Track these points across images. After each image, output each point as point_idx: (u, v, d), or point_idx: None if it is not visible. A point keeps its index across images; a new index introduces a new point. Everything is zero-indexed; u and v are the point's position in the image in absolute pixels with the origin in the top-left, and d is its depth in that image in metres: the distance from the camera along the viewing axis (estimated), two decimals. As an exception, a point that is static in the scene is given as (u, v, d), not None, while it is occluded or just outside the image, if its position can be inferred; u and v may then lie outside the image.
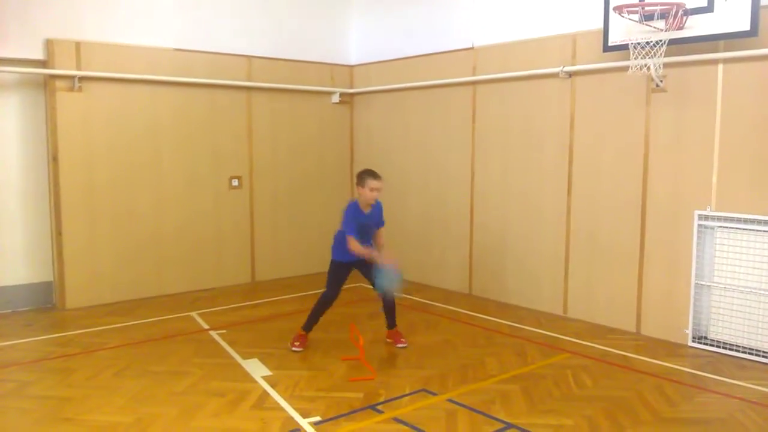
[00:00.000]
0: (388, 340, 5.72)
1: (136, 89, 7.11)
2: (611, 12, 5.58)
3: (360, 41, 8.93)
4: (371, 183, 5.31)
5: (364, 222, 5.40)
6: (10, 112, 6.69)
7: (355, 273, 5.57)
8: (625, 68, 5.58)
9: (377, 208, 5.52)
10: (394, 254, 5.27)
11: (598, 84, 6.15)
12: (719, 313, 5.42)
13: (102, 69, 6.86)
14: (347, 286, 5.80)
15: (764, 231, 5.10)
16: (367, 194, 5.34)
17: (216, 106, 7.73)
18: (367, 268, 5.45)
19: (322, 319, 5.55)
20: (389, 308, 5.64)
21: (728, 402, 4.40)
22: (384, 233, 5.65)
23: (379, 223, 5.57)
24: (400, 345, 5.60)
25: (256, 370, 5.00)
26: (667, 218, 5.70)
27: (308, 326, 5.56)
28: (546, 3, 6.59)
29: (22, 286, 6.82)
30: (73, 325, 6.23)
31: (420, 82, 7.87)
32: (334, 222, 6.15)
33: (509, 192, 6.98)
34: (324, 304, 5.51)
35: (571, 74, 6.32)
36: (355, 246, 5.24)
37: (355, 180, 5.59)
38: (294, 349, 5.44)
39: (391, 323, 5.70)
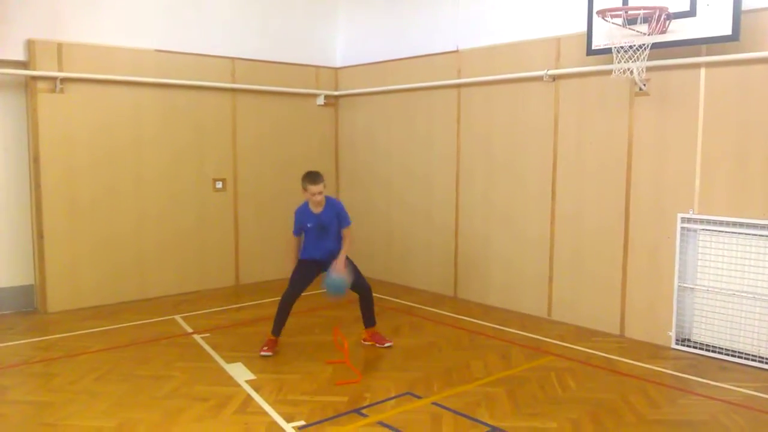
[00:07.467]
0: (366, 342, 5.63)
1: (119, 91, 7.05)
2: (594, 16, 5.61)
3: (345, 43, 8.91)
4: (311, 188, 5.33)
5: (318, 223, 5.41)
6: (-9, 114, 6.62)
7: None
8: (609, 72, 5.60)
9: (334, 207, 5.48)
10: (343, 265, 5.33)
11: (581, 87, 6.18)
12: (702, 316, 5.46)
13: (84, 70, 6.79)
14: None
15: (746, 234, 5.15)
16: (310, 198, 5.39)
17: (200, 109, 7.67)
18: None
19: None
20: (366, 304, 5.56)
21: (711, 404, 4.42)
22: (350, 233, 5.59)
23: (342, 222, 5.51)
24: (386, 345, 5.53)
25: (240, 374, 4.96)
26: (650, 221, 5.74)
27: (275, 329, 5.46)
28: (530, 7, 6.62)
29: (2, 290, 6.73)
30: (55, 329, 6.16)
31: (405, 84, 7.87)
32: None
33: (493, 194, 6.99)
34: (283, 302, 5.41)
35: (555, 77, 6.35)
36: (288, 251, 5.57)
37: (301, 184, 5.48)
38: (263, 354, 5.36)
39: (369, 321, 5.61)
